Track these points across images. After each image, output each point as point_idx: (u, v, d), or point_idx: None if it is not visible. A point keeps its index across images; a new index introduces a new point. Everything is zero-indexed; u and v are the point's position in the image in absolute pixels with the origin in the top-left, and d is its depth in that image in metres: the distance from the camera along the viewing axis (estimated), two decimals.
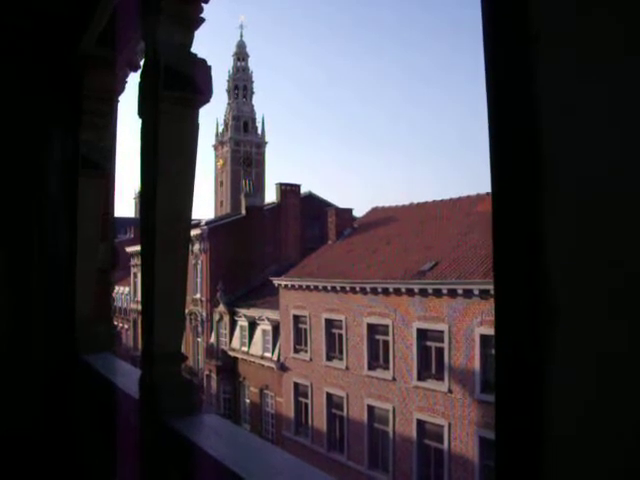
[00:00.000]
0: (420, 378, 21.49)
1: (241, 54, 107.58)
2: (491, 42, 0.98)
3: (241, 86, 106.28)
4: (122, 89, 5.24)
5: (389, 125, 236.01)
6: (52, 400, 4.41)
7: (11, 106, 4.64)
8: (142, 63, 2.96)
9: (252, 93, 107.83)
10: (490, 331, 18.92)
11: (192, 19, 2.89)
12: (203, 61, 2.85)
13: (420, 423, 21.55)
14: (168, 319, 2.86)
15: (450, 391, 20.24)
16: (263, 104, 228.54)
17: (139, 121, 3.04)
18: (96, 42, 4.73)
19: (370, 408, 23.92)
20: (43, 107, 4.75)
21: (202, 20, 2.94)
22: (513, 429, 0.96)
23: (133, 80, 5.24)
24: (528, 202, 0.93)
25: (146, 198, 2.97)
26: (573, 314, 0.91)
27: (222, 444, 2.42)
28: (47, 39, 4.70)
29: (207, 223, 39.40)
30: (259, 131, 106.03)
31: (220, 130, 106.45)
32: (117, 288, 49.65)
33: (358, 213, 34.90)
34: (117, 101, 5.24)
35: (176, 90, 2.75)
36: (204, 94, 2.84)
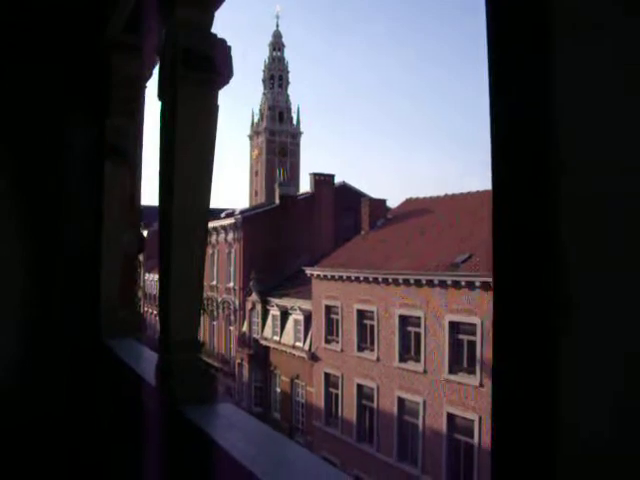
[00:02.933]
0: (451, 371, 21.28)
1: (277, 44, 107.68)
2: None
3: (277, 76, 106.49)
4: (149, 75, 5.20)
5: (424, 118, 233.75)
6: (76, 384, 4.44)
7: (39, 93, 4.65)
8: (162, 45, 2.90)
9: (288, 83, 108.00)
10: None
11: None
12: (222, 41, 2.78)
13: (450, 417, 21.36)
14: (184, 306, 2.81)
15: (482, 385, 19.99)
16: (299, 94, 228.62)
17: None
18: (123, 28, 4.70)
19: (400, 400, 23.80)
20: (70, 94, 4.75)
21: (222, 0, 2.86)
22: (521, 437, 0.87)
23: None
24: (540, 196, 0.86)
25: (163, 183, 2.92)
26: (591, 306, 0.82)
27: (236, 436, 2.36)
28: (74, 25, 4.69)
29: (241, 212, 39.64)
30: (294, 121, 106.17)
31: (256, 120, 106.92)
32: (148, 275, 50.35)
33: (392, 204, 34.67)
34: (144, 87, 5.22)
35: (195, 71, 2.69)
36: (223, 75, 2.77)
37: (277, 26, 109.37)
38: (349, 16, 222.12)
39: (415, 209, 30.79)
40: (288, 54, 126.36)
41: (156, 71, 3.12)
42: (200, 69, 2.70)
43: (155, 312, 51.92)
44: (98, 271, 4.74)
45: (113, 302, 4.83)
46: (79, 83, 4.80)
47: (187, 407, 2.62)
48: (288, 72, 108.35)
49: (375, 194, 34.79)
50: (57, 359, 4.52)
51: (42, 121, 4.68)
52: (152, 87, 5.38)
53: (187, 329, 2.84)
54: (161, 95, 2.93)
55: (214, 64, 2.72)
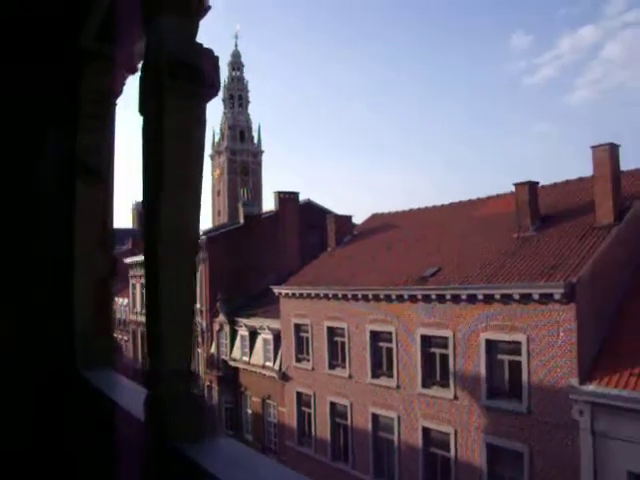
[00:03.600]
0: (425, 385, 21.20)
1: (236, 63, 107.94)
2: None
3: (236, 95, 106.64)
4: (120, 91, 5.01)
5: (386, 131, 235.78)
6: (47, 420, 4.16)
7: (8, 105, 4.41)
8: (144, 55, 2.73)
9: (248, 102, 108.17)
10: (495, 336, 18.71)
11: (197, 7, 2.67)
12: (210, 51, 2.63)
13: (426, 431, 21.24)
14: (176, 334, 2.62)
15: (456, 398, 19.95)
16: (259, 113, 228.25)
17: (139, 120, 2.81)
18: (95, 37, 4.51)
19: (374, 416, 23.61)
20: (39, 107, 4.53)
21: (208, 8, 2.72)
22: None
23: (130, 83, 5.01)
24: None
25: (149, 204, 2.74)
26: None
27: (244, 477, 2.16)
28: (43, 32, 4.47)
29: (205, 233, 39.20)
30: (255, 140, 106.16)
31: (217, 140, 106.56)
32: (116, 299, 49.42)
33: (357, 220, 34.71)
34: (115, 104, 5.02)
35: (181, 82, 2.52)
36: (211, 86, 2.62)
37: (236, 46, 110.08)
38: (303, 34, 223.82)
39: (381, 224, 30.88)
40: (248, 74, 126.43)
41: (130, 86, 2.95)
42: (188, 79, 2.54)
43: (125, 338, 50.90)
44: (70, 295, 4.50)
45: (88, 329, 4.58)
46: (49, 95, 4.59)
47: (184, 444, 2.42)
48: (248, 91, 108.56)
49: (340, 211, 34.76)
50: (25, 392, 4.24)
51: (10, 136, 4.44)
52: (122, 103, 5.18)
53: (180, 358, 2.65)
54: (143, 109, 2.76)
55: (202, 74, 2.57)
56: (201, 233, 39.21)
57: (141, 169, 2.82)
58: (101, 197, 4.88)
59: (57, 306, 4.52)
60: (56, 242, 4.56)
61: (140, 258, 45.13)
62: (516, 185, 21.49)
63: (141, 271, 46.67)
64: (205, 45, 2.64)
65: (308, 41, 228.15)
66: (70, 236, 4.52)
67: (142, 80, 2.72)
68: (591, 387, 16.08)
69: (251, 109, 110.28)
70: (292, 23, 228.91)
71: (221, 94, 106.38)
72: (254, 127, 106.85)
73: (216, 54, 2.66)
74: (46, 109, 4.59)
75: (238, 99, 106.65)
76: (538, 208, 21.26)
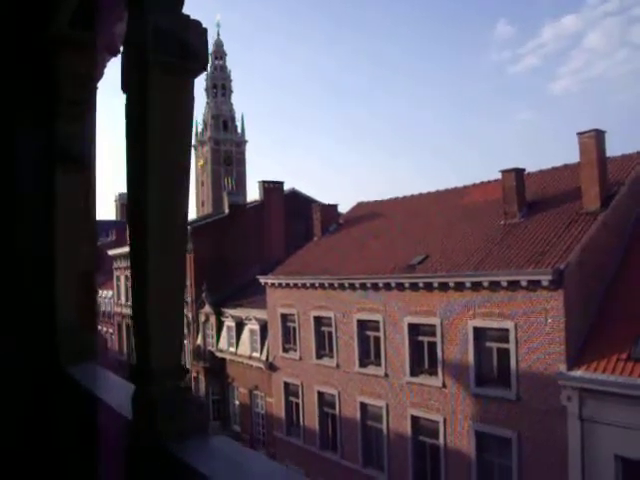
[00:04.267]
0: (413, 374, 21.17)
1: (219, 52, 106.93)
2: None
3: (219, 85, 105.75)
4: (101, 75, 4.78)
5: (369, 119, 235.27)
6: (30, 419, 3.96)
7: None
8: (126, 29, 2.52)
9: (231, 92, 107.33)
10: (483, 323, 18.70)
11: None
12: (197, 23, 2.43)
13: (414, 419, 21.24)
14: (165, 328, 2.44)
15: (444, 386, 19.95)
16: (242, 103, 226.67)
17: (122, 100, 2.61)
18: (70, 22, 4.28)
19: (363, 406, 23.58)
20: (11, 94, 4.29)
21: None
22: None
23: (112, 66, 4.78)
24: None
25: (134, 190, 2.54)
26: None
27: (235, 475, 2.02)
28: (13, 18, 4.24)
29: (190, 223, 38.82)
30: (239, 130, 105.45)
31: (199, 130, 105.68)
32: (100, 292, 49.02)
33: (343, 209, 34.57)
34: (96, 88, 4.79)
35: (167, 55, 2.33)
36: (200, 60, 2.43)
37: (218, 35, 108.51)
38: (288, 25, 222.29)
39: (367, 213, 30.76)
40: (230, 63, 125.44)
41: (112, 67, 2.74)
42: (173, 53, 2.35)
43: (110, 330, 50.51)
44: (52, 290, 4.29)
45: (71, 323, 4.38)
46: (22, 82, 4.35)
47: (174, 442, 2.26)
48: (231, 80, 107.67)
49: (326, 200, 34.55)
50: (6, 391, 4.03)
51: None
52: (103, 87, 4.96)
53: (169, 354, 2.47)
54: (125, 86, 2.56)
55: (189, 48, 2.37)
56: None
57: (125, 152, 2.62)
58: (83, 186, 4.67)
59: (38, 301, 4.32)
60: (35, 234, 4.35)
61: (124, 250, 44.73)
62: (503, 172, 21.44)
63: (126, 263, 46.27)
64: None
65: (290, 31, 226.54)
66: (50, 228, 4.31)
67: (124, 55, 2.52)
68: (579, 373, 16.12)
69: (234, 99, 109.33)
70: (273, 13, 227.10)
71: (204, 83, 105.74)
72: (237, 117, 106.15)
73: (204, 26, 2.46)
74: (18, 95, 4.36)
75: (221, 88, 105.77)
76: (525, 195, 21.23)
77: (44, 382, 4.07)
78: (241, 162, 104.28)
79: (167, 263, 2.43)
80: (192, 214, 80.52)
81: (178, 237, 2.52)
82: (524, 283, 17.39)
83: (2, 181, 4.24)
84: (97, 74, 4.73)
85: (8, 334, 4.08)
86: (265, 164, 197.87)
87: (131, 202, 2.56)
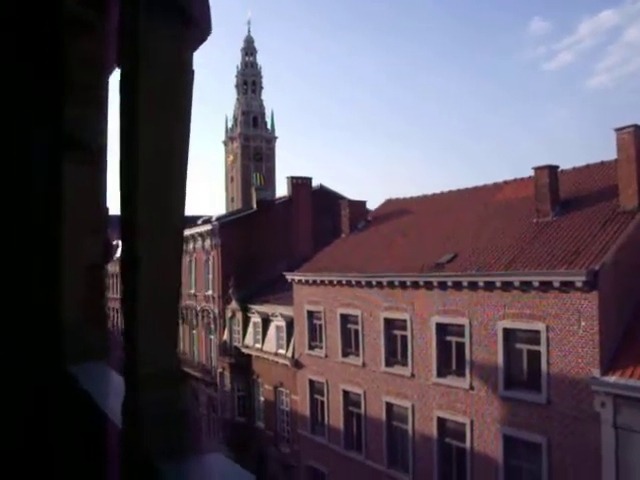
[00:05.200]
0: (440, 374, 20.75)
1: (249, 49, 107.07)
2: None
3: (250, 81, 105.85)
4: (113, 59, 4.54)
5: (398, 118, 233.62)
6: (28, 421, 3.74)
7: None
8: None
9: (261, 88, 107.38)
10: (513, 324, 18.20)
11: None
12: None
13: (440, 421, 20.82)
14: (158, 331, 2.17)
15: (472, 388, 19.48)
16: (272, 99, 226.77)
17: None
18: (80, 1, 4.05)
19: (388, 406, 23.22)
20: (15, 78, 4.08)
21: None
22: None
23: None
24: None
25: (125, 178, 2.27)
26: None
27: None
28: None
29: (218, 218, 38.84)
30: (268, 126, 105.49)
31: (230, 126, 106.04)
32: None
33: (371, 206, 34.18)
34: (107, 72, 4.55)
35: (164, 22, 2.05)
36: (201, 28, 2.14)
37: (249, 31, 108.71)
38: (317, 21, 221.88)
39: (395, 210, 30.32)
40: (261, 59, 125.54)
41: None
42: (171, 20, 2.07)
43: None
44: (57, 285, 4.07)
45: (77, 320, 4.15)
46: (30, 65, 4.13)
47: (164, 461, 1.99)
48: (261, 77, 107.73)
49: (354, 197, 34.12)
50: (7, 391, 3.81)
51: None
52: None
53: (162, 356, 2.20)
54: (118, 58, 2.30)
55: (188, 13, 2.09)
56: (214, 219, 38.90)
57: (118, 133, 2.36)
58: (93, 175, 4.44)
59: (41, 297, 4.10)
60: (38, 226, 4.13)
61: None
62: (535, 169, 20.86)
63: None
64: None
65: (324, 31, 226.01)
66: (55, 220, 4.08)
67: (120, 25, 2.25)
68: (613, 378, 15.55)
69: (264, 95, 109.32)
70: (307, 10, 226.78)
71: (234, 80, 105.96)
72: (267, 113, 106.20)
73: None
74: (25, 79, 4.14)
75: (252, 85, 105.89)
76: (558, 193, 20.62)
77: (44, 383, 3.84)
78: (271, 158, 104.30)
79: (160, 264, 2.16)
80: (222, 210, 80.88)
81: (173, 236, 2.24)
82: (556, 284, 16.86)
83: (4, 170, 4.03)
84: (108, 57, 4.49)
85: (8, 333, 3.87)
86: (295, 161, 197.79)
87: (122, 189, 2.30)
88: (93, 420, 2.93)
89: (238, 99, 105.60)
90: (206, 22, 2.17)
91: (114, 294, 47.25)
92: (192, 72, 2.20)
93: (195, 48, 2.20)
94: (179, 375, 2.24)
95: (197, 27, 2.14)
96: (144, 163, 2.15)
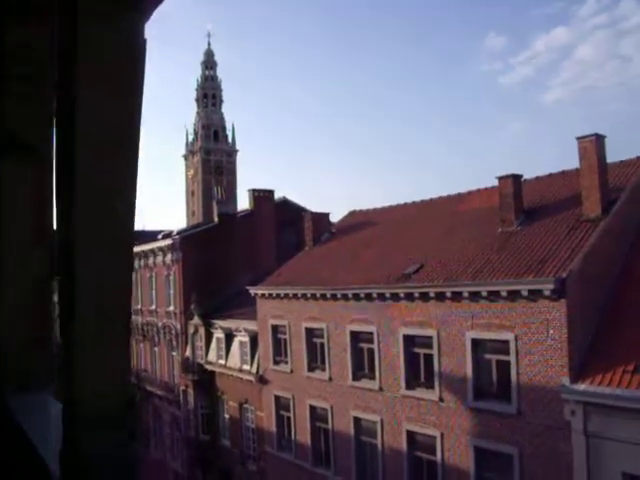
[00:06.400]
0: (409, 387, 20.44)
1: (209, 62, 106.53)
2: None
3: (210, 94, 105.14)
4: (60, 45, 4.07)
5: (362, 131, 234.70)
6: None
7: None
8: None
9: (221, 101, 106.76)
10: (482, 335, 18.04)
11: None
12: None
13: (410, 434, 20.48)
14: (102, 359, 1.73)
15: (441, 400, 19.22)
16: (233, 112, 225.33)
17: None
18: None
19: (356, 420, 22.80)
20: None
21: None
22: None
23: None
24: None
25: (62, 181, 1.88)
26: None
27: None
28: None
29: (178, 232, 38.12)
30: (229, 139, 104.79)
31: (190, 139, 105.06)
32: None
33: (335, 218, 33.91)
34: (55, 60, 4.07)
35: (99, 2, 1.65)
36: (146, 2, 1.74)
37: (209, 44, 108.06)
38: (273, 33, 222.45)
39: (360, 221, 30.12)
40: (221, 73, 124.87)
41: None
42: None
43: None
44: None
45: (18, 343, 3.66)
46: None
47: None
48: (221, 90, 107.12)
49: (320, 209, 33.79)
50: None
51: None
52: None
53: (105, 390, 1.76)
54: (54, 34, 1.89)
55: None
56: (175, 233, 38.13)
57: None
58: (39, 179, 3.95)
59: None
60: None
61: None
62: (499, 178, 20.85)
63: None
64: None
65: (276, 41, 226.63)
66: None
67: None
68: (583, 386, 15.46)
69: (225, 108, 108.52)
70: (266, 25, 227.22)
71: (194, 93, 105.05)
72: (228, 126, 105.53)
73: None
74: None
75: (212, 98, 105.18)
76: (522, 202, 20.63)
77: None
78: (232, 172, 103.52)
79: (103, 280, 1.74)
80: (182, 224, 79.78)
81: (120, 231, 1.82)
82: (524, 293, 16.75)
83: None
84: (54, 44, 4.02)
85: None
86: (258, 175, 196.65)
87: (57, 197, 1.89)
88: (28, 468, 2.45)
89: (198, 112, 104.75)
90: None
91: None
92: (142, 47, 1.79)
93: (145, 18, 1.79)
94: (128, 412, 1.80)
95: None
96: (83, 164, 1.75)
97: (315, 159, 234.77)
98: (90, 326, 1.71)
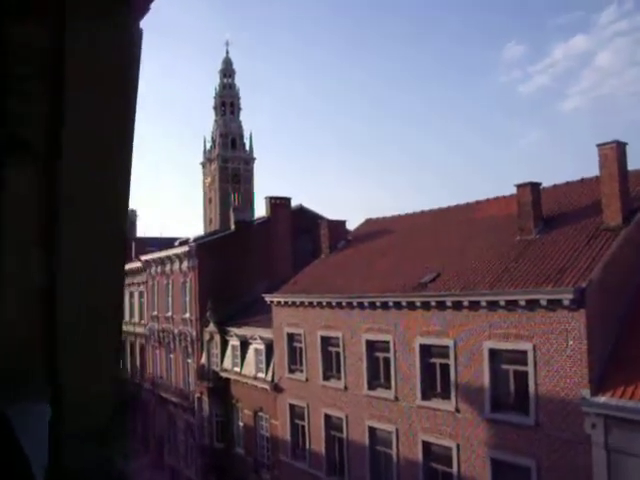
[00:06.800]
0: (425, 397, 20.17)
1: (227, 71, 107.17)
2: None
3: (228, 103, 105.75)
4: (62, 43, 3.99)
5: (378, 140, 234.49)
6: None
7: None
8: None
9: (239, 109, 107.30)
10: (499, 345, 17.76)
11: None
12: None
13: (426, 445, 20.20)
14: (92, 357, 1.63)
15: (458, 410, 18.93)
16: (250, 120, 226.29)
17: None
18: None
19: (371, 430, 22.55)
20: None
21: None
22: None
23: None
24: None
25: (53, 175, 1.97)
26: None
27: None
28: None
29: (195, 239, 38.18)
30: (247, 147, 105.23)
31: (208, 147, 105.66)
32: None
33: (351, 226, 33.77)
34: (58, 59, 4.00)
35: None
36: None
37: (227, 53, 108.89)
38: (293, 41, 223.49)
39: (376, 229, 29.93)
40: (239, 81, 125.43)
41: None
42: None
43: None
44: None
45: (18, 343, 3.54)
46: None
47: None
48: (239, 98, 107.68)
49: (336, 217, 33.65)
50: None
51: None
52: None
53: (94, 403, 1.64)
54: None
55: None
56: (191, 240, 38.20)
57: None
58: (39, 179, 3.85)
59: None
60: None
61: (136, 265, 43.99)
62: (518, 186, 20.58)
63: (140, 278, 45.45)
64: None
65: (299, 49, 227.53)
66: None
67: None
68: (604, 399, 15.11)
69: (243, 116, 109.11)
70: (286, 30, 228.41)
71: (212, 102, 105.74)
72: (246, 134, 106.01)
73: None
74: None
75: (230, 106, 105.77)
76: (541, 210, 20.34)
77: None
78: (249, 179, 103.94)
79: (91, 282, 1.64)
80: (200, 231, 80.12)
81: (112, 231, 1.72)
82: (543, 302, 16.46)
83: None
84: (56, 42, 3.94)
85: None
86: (274, 182, 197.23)
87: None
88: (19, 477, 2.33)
89: (216, 121, 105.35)
90: None
91: None
92: (136, 43, 1.69)
93: (142, 13, 1.69)
94: (116, 427, 1.67)
95: None
96: (74, 163, 1.69)
97: (329, 165, 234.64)
98: (81, 327, 1.62)
